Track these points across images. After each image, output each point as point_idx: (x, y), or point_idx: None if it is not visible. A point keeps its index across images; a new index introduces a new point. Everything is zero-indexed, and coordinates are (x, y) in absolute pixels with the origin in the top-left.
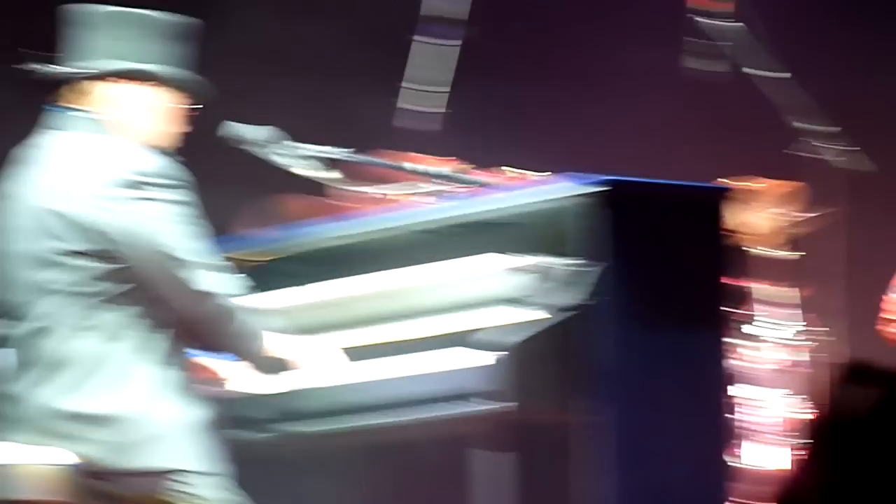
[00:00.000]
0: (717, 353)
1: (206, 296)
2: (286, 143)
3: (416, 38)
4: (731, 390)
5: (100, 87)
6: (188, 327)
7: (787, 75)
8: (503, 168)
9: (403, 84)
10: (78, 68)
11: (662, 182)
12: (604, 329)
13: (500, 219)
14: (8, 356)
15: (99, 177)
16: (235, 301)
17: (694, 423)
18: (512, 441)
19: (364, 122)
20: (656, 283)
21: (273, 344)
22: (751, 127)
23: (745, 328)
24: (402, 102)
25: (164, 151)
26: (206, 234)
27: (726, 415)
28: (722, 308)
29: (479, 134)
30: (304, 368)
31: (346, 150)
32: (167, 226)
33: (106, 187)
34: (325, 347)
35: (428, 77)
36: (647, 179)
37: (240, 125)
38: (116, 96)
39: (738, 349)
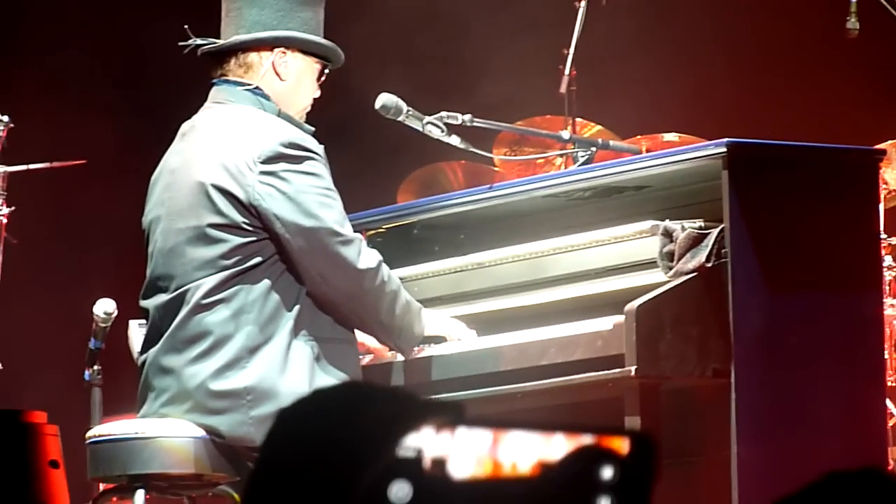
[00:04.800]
0: (868, 316)
1: (366, 272)
2: (412, 111)
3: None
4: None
5: (249, 58)
6: (340, 304)
7: None
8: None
9: (568, 50)
10: (225, 40)
11: (783, 143)
12: (734, 290)
13: (625, 183)
14: (144, 328)
15: (249, 151)
16: (391, 279)
17: (841, 388)
18: (638, 405)
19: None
20: (783, 244)
21: (421, 323)
22: None
23: None
24: (566, 69)
25: (306, 122)
26: (342, 209)
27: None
28: (870, 271)
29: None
30: (447, 342)
31: (468, 116)
32: (320, 199)
33: (256, 162)
34: (459, 323)
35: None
36: (767, 141)
37: (383, 95)
38: (266, 66)
39: None
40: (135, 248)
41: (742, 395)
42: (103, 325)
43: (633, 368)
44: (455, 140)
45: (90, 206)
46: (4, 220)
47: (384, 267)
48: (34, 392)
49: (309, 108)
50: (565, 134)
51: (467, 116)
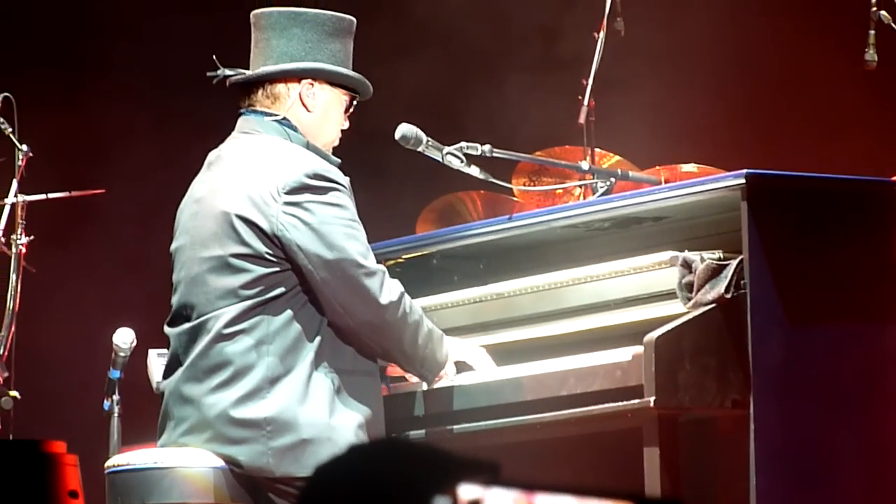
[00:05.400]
0: (888, 347)
1: (389, 305)
2: (432, 141)
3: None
4: None
5: (277, 89)
6: (362, 335)
7: None
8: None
9: (587, 80)
10: (253, 71)
11: (802, 175)
12: (753, 321)
13: (644, 214)
14: (165, 357)
15: (273, 181)
16: (413, 310)
17: (860, 420)
18: (657, 436)
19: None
20: (802, 275)
21: (444, 350)
22: None
23: None
24: (586, 100)
25: (332, 153)
26: (366, 241)
27: None
28: (890, 302)
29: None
30: (467, 373)
31: (488, 146)
32: (344, 230)
33: (280, 192)
34: (481, 350)
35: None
36: (786, 172)
37: (403, 125)
38: (293, 97)
39: None
40: (155, 277)
41: (761, 426)
42: (123, 354)
43: (651, 399)
44: (474, 170)
45: (110, 235)
46: (24, 250)
47: (406, 298)
48: (54, 422)
49: (337, 141)
50: (584, 164)
51: (486, 147)
